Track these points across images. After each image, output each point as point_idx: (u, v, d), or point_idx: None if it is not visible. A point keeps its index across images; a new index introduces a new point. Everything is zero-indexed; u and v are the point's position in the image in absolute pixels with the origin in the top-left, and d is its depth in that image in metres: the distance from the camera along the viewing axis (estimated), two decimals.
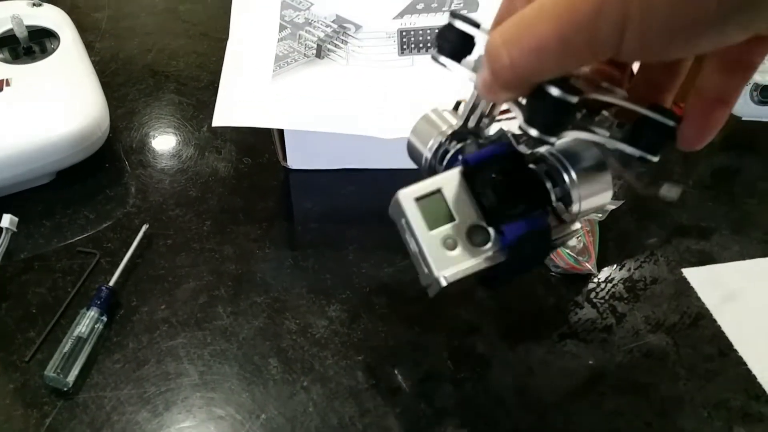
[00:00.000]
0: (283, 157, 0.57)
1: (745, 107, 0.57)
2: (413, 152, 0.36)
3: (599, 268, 0.49)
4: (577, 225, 0.32)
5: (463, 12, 0.27)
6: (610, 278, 0.49)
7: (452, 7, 0.52)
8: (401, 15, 0.53)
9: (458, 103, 0.35)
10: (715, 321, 0.46)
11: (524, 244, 0.30)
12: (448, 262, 0.30)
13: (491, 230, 0.30)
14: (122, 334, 0.46)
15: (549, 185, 0.31)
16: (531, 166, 0.31)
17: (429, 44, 0.52)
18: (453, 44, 0.28)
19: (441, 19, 0.52)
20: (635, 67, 0.32)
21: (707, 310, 0.47)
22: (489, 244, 0.30)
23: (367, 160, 0.56)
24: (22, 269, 0.49)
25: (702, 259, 0.51)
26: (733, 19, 0.22)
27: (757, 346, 0.45)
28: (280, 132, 0.55)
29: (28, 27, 0.58)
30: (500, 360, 0.44)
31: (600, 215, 0.50)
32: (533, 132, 0.26)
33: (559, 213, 0.31)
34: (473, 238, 0.30)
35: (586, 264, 0.48)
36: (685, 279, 0.49)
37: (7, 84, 0.54)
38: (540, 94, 0.26)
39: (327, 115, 0.50)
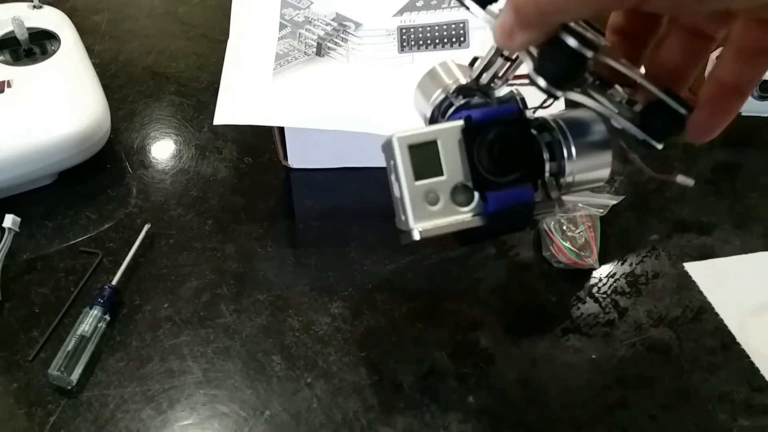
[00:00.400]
0: (283, 156, 0.57)
1: (747, 103, 0.57)
2: (418, 104, 0.35)
3: (601, 263, 0.49)
4: (562, 202, 0.32)
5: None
6: (611, 273, 0.49)
7: (451, 4, 0.52)
8: (401, 12, 0.53)
9: (474, 60, 0.33)
10: (717, 314, 0.46)
11: (505, 215, 0.30)
12: (427, 215, 0.29)
13: (476, 194, 0.30)
14: (125, 332, 0.46)
15: (546, 157, 0.30)
16: (533, 132, 0.30)
17: (429, 41, 0.52)
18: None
19: (441, 16, 0.52)
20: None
21: (709, 303, 0.47)
22: (470, 206, 0.30)
23: (367, 158, 0.56)
24: (24, 269, 0.50)
25: (703, 253, 0.51)
26: None
27: (759, 338, 0.45)
28: (281, 131, 0.55)
29: (28, 29, 0.58)
30: (503, 355, 0.44)
31: (601, 210, 0.50)
32: (541, 82, 0.26)
33: (548, 188, 0.31)
34: (456, 196, 0.30)
35: (588, 259, 0.48)
36: (686, 273, 0.49)
37: (9, 85, 0.54)
38: (555, 43, 0.25)
39: (327, 114, 0.50)
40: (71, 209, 0.54)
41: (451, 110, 0.32)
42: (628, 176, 0.56)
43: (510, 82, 0.32)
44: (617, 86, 0.29)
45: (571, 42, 0.25)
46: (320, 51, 0.52)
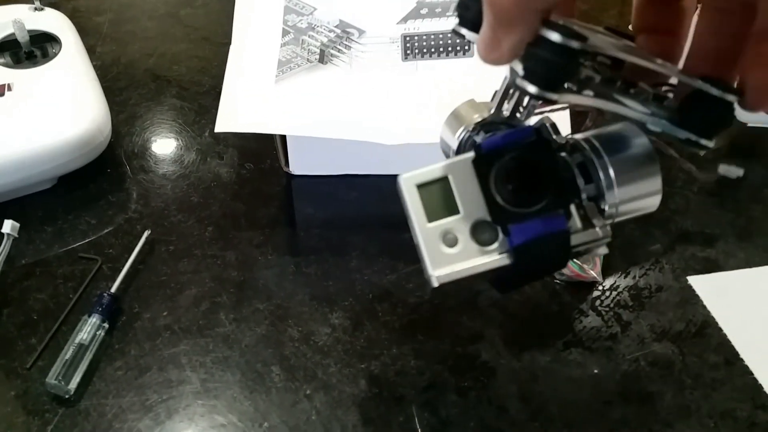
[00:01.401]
0: (285, 162, 0.56)
1: (751, 113, 0.57)
2: (444, 147, 0.33)
3: (604, 275, 0.49)
4: (608, 231, 0.28)
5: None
6: (614, 286, 0.49)
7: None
8: (405, 20, 0.52)
9: (496, 94, 0.31)
10: (721, 329, 0.46)
11: (535, 249, 0.26)
12: (445, 260, 0.27)
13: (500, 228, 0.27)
14: (124, 341, 0.46)
15: (580, 181, 0.27)
16: (563, 155, 0.27)
17: (433, 49, 0.51)
18: (474, 13, 0.25)
19: (445, 24, 0.52)
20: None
21: (713, 318, 0.47)
22: (495, 245, 0.27)
23: (369, 166, 0.56)
24: (23, 275, 0.49)
25: (707, 266, 0.50)
26: None
27: (763, 354, 0.44)
28: (283, 138, 0.54)
29: (29, 31, 0.57)
30: (504, 368, 0.44)
31: None
32: (531, 88, 0.23)
33: (589, 215, 0.27)
34: (478, 235, 0.27)
35: (591, 271, 0.48)
36: (690, 287, 0.49)
37: (9, 89, 0.54)
38: (539, 42, 0.23)
39: (330, 121, 0.50)
40: (70, 214, 0.54)
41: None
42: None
43: (538, 110, 0.28)
44: (642, 84, 0.26)
45: (555, 36, 0.22)
46: (323, 58, 0.52)
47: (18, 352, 0.45)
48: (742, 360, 0.44)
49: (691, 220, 0.54)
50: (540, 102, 0.25)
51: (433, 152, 0.51)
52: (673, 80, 0.27)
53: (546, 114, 0.28)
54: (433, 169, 0.27)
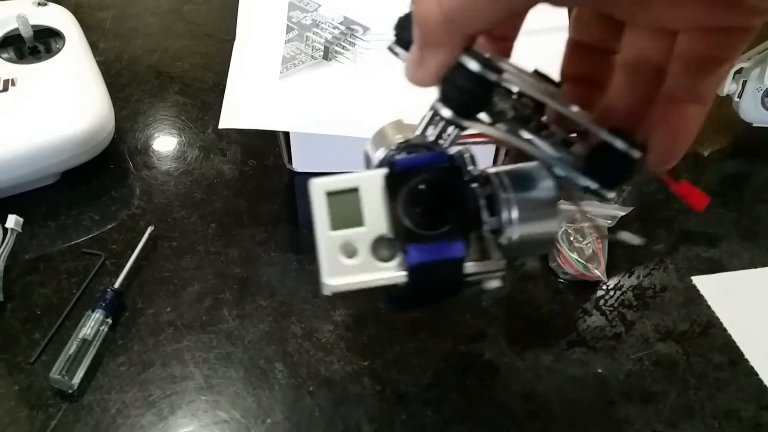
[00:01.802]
0: (288, 159, 0.56)
1: (756, 113, 0.57)
2: (366, 163, 0.33)
3: (608, 275, 0.49)
4: (503, 264, 0.28)
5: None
6: (619, 285, 0.49)
7: None
8: None
9: (424, 117, 0.31)
10: (725, 330, 0.46)
11: (429, 271, 0.27)
12: (341, 270, 0.27)
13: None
14: (127, 336, 0.46)
15: (485, 213, 0.27)
16: (474, 185, 0.28)
17: None
18: (410, 33, 0.25)
19: None
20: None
21: (717, 318, 0.47)
22: (393, 262, 0.27)
23: None
24: (27, 270, 0.49)
25: (711, 266, 0.50)
26: None
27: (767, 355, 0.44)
28: (286, 134, 0.54)
29: (33, 26, 0.57)
30: (507, 367, 0.44)
31: (609, 221, 0.49)
32: (445, 112, 0.24)
33: (487, 247, 0.28)
34: (378, 250, 0.27)
35: (595, 271, 0.47)
36: (694, 287, 0.49)
37: (13, 84, 0.54)
38: (459, 69, 0.23)
39: (333, 118, 0.50)
40: (74, 209, 0.54)
41: None
42: (636, 186, 0.56)
43: (462, 140, 0.28)
44: (554, 127, 0.26)
45: (473, 65, 0.23)
46: (327, 55, 0.52)
47: (21, 347, 0.45)
48: (746, 360, 0.44)
49: (695, 220, 0.54)
50: (462, 131, 0.26)
51: None
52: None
53: (468, 144, 0.28)
54: (346, 178, 0.27)
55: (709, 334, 0.46)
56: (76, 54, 0.58)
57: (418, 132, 0.28)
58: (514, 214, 0.27)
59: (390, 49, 0.27)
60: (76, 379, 0.42)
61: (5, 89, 0.53)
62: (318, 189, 0.27)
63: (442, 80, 0.24)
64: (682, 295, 0.48)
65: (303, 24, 0.53)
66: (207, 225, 0.53)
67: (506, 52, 0.28)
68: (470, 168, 0.27)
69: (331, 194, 0.27)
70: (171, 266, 0.50)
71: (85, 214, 0.53)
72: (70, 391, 0.42)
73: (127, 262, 0.48)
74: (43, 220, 0.53)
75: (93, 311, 0.45)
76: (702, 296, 0.48)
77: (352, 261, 0.27)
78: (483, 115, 0.24)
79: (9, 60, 0.56)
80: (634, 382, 0.43)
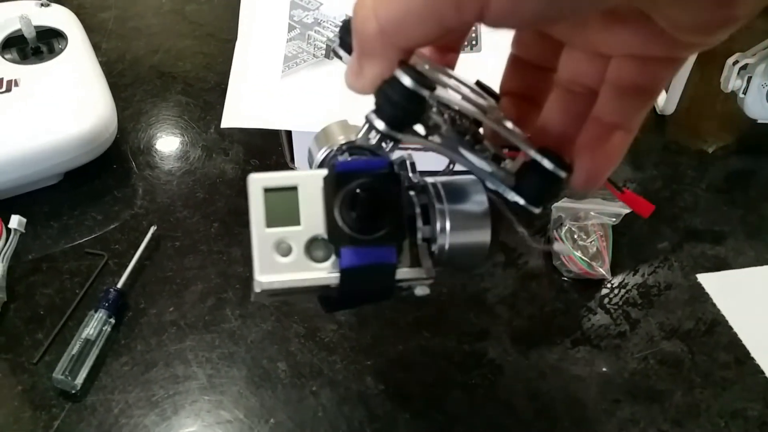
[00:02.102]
0: (290, 158, 0.56)
1: (761, 109, 0.56)
2: (309, 160, 0.34)
3: (612, 273, 0.49)
4: (433, 272, 0.28)
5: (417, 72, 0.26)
6: (623, 284, 0.49)
7: None
8: None
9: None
10: (731, 328, 0.46)
11: (360, 275, 0.27)
12: (274, 267, 0.26)
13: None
14: (130, 336, 0.46)
15: (420, 221, 0.28)
16: (411, 193, 0.28)
17: None
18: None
19: None
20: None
21: (723, 316, 0.46)
22: (326, 263, 0.27)
23: None
24: (30, 270, 0.49)
25: (717, 264, 0.50)
26: None
27: None
28: (288, 134, 0.54)
29: (36, 27, 0.57)
30: (511, 366, 0.44)
31: (613, 219, 0.49)
32: (378, 124, 0.24)
33: (419, 254, 0.28)
34: (312, 251, 0.27)
35: (600, 269, 0.47)
36: (699, 285, 0.48)
37: (16, 84, 0.54)
38: (392, 82, 0.23)
39: (335, 117, 0.49)
40: (77, 210, 0.54)
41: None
42: (640, 184, 0.55)
43: (404, 145, 0.28)
44: (486, 142, 0.27)
45: (406, 81, 0.23)
46: (329, 53, 0.52)
47: (25, 347, 0.45)
48: (752, 359, 0.44)
49: (700, 217, 0.53)
50: (396, 143, 0.26)
51: None
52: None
53: (410, 151, 0.29)
54: (285, 176, 0.27)
55: (714, 332, 0.46)
56: (78, 54, 0.58)
57: (361, 134, 0.27)
58: (447, 224, 0.27)
59: (334, 51, 0.27)
60: (79, 379, 0.42)
61: (8, 90, 0.53)
62: (256, 185, 0.27)
63: (376, 92, 0.24)
64: (687, 293, 0.48)
65: (305, 23, 0.53)
66: (210, 224, 0.53)
67: (451, 63, 0.28)
68: (410, 175, 0.28)
69: (269, 191, 0.27)
70: (174, 266, 0.50)
71: (88, 214, 0.53)
72: (73, 392, 0.42)
73: (129, 262, 0.48)
74: (46, 221, 0.53)
75: (96, 311, 0.45)
76: (707, 294, 0.48)
77: (286, 259, 0.26)
78: (419, 127, 0.24)
79: (12, 60, 0.56)
80: (639, 381, 0.43)
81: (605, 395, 0.42)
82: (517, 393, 0.42)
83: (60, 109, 0.53)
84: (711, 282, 0.48)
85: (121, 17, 0.73)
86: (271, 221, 0.27)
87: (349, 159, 0.29)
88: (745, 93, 0.56)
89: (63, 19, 0.60)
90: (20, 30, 0.57)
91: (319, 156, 0.32)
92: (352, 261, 0.26)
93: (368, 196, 0.26)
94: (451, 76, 0.27)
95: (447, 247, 0.28)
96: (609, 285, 0.49)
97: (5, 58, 0.56)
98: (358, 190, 0.26)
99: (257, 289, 0.26)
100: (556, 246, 0.32)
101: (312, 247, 0.27)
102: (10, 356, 0.44)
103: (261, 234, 0.27)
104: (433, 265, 0.28)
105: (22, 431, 0.41)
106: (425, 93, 0.23)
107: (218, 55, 0.68)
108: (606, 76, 0.26)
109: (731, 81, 0.56)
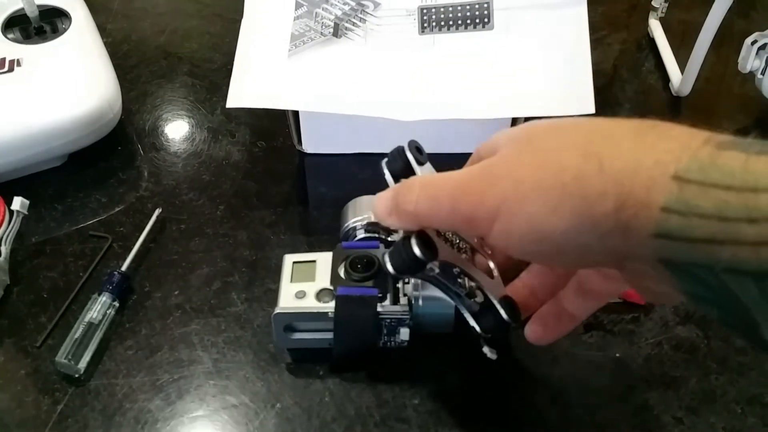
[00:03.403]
0: (297, 140, 0.55)
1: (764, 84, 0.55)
2: (342, 217, 0.45)
3: None
4: (407, 309, 0.40)
5: (419, 149, 0.37)
6: None
7: None
8: None
9: None
10: None
11: (349, 303, 0.39)
12: (291, 304, 0.40)
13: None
14: (135, 320, 0.45)
15: (399, 283, 0.41)
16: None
17: (451, 22, 0.50)
18: (395, 168, 0.35)
19: None
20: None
21: None
22: (328, 303, 0.40)
23: (384, 144, 0.54)
24: (33, 253, 0.49)
25: None
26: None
27: None
28: (295, 114, 0.53)
29: (39, 6, 0.56)
30: (523, 352, 0.43)
31: None
32: (389, 267, 0.32)
33: (400, 298, 0.40)
34: (321, 297, 0.40)
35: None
36: None
37: (18, 64, 0.53)
38: (406, 242, 0.31)
39: (344, 97, 0.48)
40: (81, 192, 0.53)
41: (356, 239, 0.44)
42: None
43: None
44: (466, 279, 0.36)
45: (417, 251, 0.31)
46: (337, 32, 0.50)
47: (28, 330, 0.44)
48: None
49: None
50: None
51: (450, 128, 0.50)
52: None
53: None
54: (310, 256, 0.42)
55: None
56: (82, 34, 0.57)
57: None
58: (420, 304, 0.40)
59: (382, 167, 0.36)
60: (83, 363, 0.42)
61: (11, 70, 0.53)
62: (288, 260, 0.43)
63: (394, 244, 0.33)
64: None
65: (312, 0, 0.51)
66: (215, 207, 0.52)
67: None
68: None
69: (297, 263, 0.42)
70: (179, 249, 0.49)
71: (93, 197, 0.53)
72: (76, 375, 0.42)
73: (134, 244, 0.48)
74: (50, 203, 0.52)
75: (100, 294, 0.44)
76: None
77: (301, 302, 0.40)
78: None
79: (14, 40, 0.56)
80: (653, 367, 0.42)
81: (619, 381, 0.41)
82: (529, 379, 0.41)
83: (63, 89, 0.52)
84: None
85: None
86: (294, 278, 0.41)
87: (357, 238, 0.43)
88: (763, 74, 0.55)
89: None
90: (23, 9, 0.56)
91: (346, 226, 0.44)
92: (344, 291, 0.39)
93: (362, 260, 0.40)
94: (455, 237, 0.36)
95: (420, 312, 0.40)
96: None
97: (8, 38, 0.55)
98: (355, 257, 0.41)
99: (274, 311, 0.40)
100: (485, 349, 0.40)
101: (321, 294, 0.40)
102: (13, 340, 0.44)
103: (286, 285, 0.41)
104: (409, 310, 0.40)
105: (25, 415, 0.40)
106: (429, 262, 0.32)
107: (225, 35, 0.67)
108: (576, 275, 0.35)
109: (749, 61, 0.55)
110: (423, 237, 0.32)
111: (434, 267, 0.34)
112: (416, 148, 0.37)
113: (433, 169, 0.37)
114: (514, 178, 0.27)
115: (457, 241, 0.36)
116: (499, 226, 0.28)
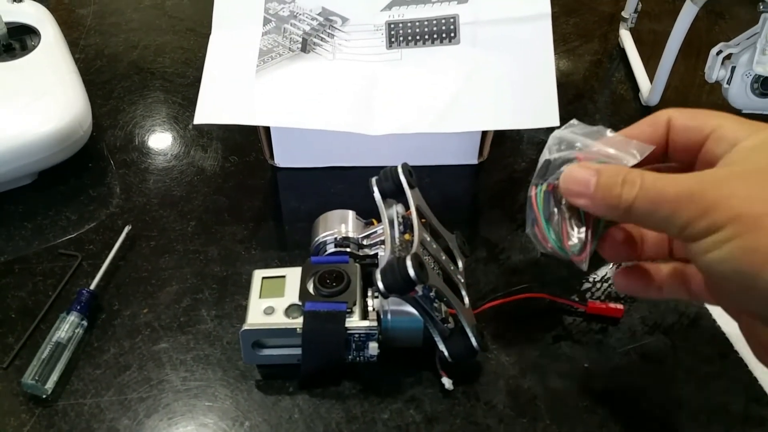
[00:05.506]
0: (270, 155, 0.55)
1: (745, 99, 0.55)
2: (312, 232, 0.46)
3: (595, 267, 0.48)
4: (375, 327, 0.40)
5: (410, 172, 0.40)
6: (605, 278, 0.48)
7: None
8: (389, 7, 0.51)
9: (371, 222, 0.45)
10: (714, 321, 0.45)
11: (318, 319, 0.39)
12: (259, 320, 0.40)
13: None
14: (103, 339, 0.45)
15: (368, 292, 0.42)
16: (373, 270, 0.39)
17: (418, 37, 0.50)
18: (389, 186, 0.39)
19: (431, 11, 0.50)
20: None
21: (706, 310, 0.45)
22: (297, 318, 0.40)
23: (355, 157, 0.54)
24: (1, 272, 0.48)
25: None
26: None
27: None
28: (267, 129, 0.53)
29: (7, 23, 0.56)
30: (492, 364, 0.43)
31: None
32: (380, 285, 0.34)
33: (369, 314, 0.41)
34: (289, 312, 0.40)
35: (576, 256, 0.43)
36: None
37: None
38: (401, 265, 0.33)
39: (313, 112, 0.49)
40: (51, 210, 0.53)
41: (326, 253, 0.44)
42: None
43: (370, 242, 0.44)
44: (442, 304, 0.39)
45: (411, 272, 0.33)
46: (305, 47, 0.50)
47: None
48: (736, 352, 0.43)
49: None
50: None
51: (417, 141, 0.50)
52: None
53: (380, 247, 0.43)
54: (280, 271, 0.43)
55: (698, 326, 0.45)
56: (51, 51, 0.57)
57: (362, 235, 0.44)
58: (389, 318, 0.40)
59: (369, 184, 0.40)
60: (50, 384, 0.41)
61: None
62: (258, 274, 0.43)
63: (386, 262, 0.35)
64: None
65: (280, 15, 0.51)
66: (186, 223, 0.52)
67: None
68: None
69: (266, 278, 0.42)
70: (149, 266, 0.49)
71: (63, 214, 0.52)
72: (43, 396, 0.41)
73: (104, 262, 0.47)
74: (20, 221, 0.52)
75: (68, 313, 0.44)
76: None
77: (269, 317, 0.40)
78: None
79: None
80: (621, 376, 0.42)
81: (587, 391, 0.42)
82: (497, 390, 0.42)
83: (32, 106, 0.52)
84: None
85: (100, 13, 0.72)
86: (263, 294, 0.41)
87: (327, 252, 0.44)
88: (728, 83, 0.55)
89: (36, 15, 0.59)
90: None
91: (317, 239, 0.45)
92: (312, 307, 0.40)
93: (331, 275, 0.41)
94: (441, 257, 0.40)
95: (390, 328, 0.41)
96: (591, 279, 0.48)
97: None
98: (323, 272, 0.41)
99: (242, 328, 0.40)
100: (444, 380, 0.41)
101: (290, 310, 0.40)
102: None
103: (254, 301, 0.41)
104: (375, 324, 0.40)
105: None
106: (420, 283, 0.34)
107: (198, 50, 0.67)
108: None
109: (715, 71, 0.56)
110: (417, 259, 0.33)
111: (419, 289, 0.36)
112: (408, 171, 0.40)
113: (419, 195, 0.41)
114: (752, 203, 0.26)
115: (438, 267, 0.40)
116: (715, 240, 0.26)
